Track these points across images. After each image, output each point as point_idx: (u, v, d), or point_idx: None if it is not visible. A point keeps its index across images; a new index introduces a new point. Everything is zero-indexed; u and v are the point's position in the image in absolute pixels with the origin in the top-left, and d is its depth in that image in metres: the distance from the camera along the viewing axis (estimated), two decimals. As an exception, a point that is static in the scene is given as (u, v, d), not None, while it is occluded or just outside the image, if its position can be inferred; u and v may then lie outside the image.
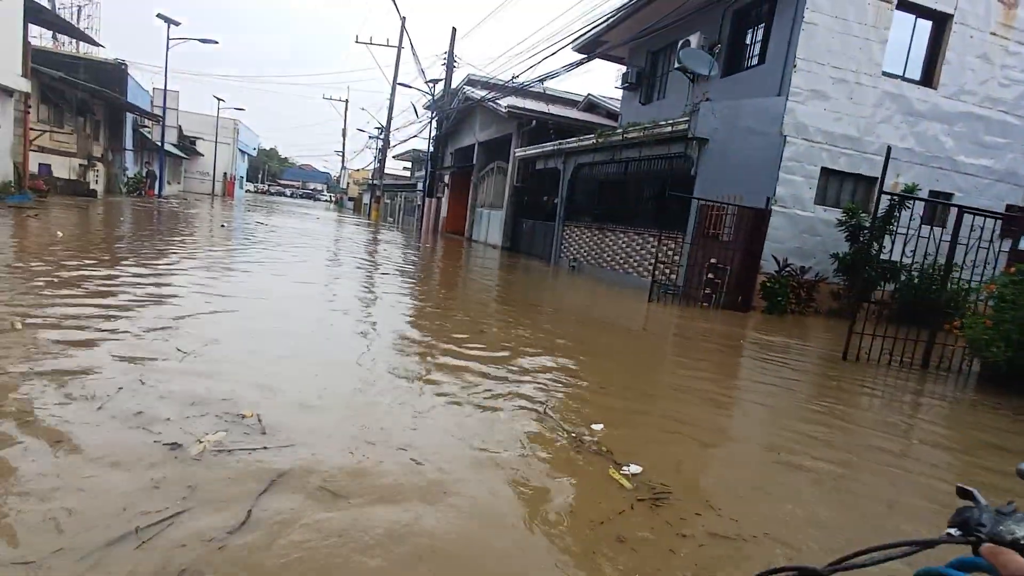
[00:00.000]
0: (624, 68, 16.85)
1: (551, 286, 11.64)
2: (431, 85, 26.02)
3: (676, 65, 13.14)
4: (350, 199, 62.68)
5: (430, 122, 27.63)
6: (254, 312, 5.35)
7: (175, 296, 5.49)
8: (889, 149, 5.68)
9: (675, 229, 10.32)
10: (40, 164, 17.41)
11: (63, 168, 19.04)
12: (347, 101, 54.81)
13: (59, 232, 9.68)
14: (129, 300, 5.09)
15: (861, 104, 10.63)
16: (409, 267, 11.53)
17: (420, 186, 32.10)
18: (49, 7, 16.66)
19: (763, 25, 11.31)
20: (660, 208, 11.51)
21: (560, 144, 14.90)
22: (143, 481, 2.17)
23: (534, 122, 17.75)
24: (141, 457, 2.34)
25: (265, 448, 2.54)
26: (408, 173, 48.20)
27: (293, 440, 2.66)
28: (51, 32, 25.44)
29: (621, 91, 16.93)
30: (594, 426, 3.31)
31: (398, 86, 30.22)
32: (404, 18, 29.36)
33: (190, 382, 3.23)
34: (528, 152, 17.05)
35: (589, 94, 22.97)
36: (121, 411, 2.74)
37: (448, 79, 24.59)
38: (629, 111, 16.13)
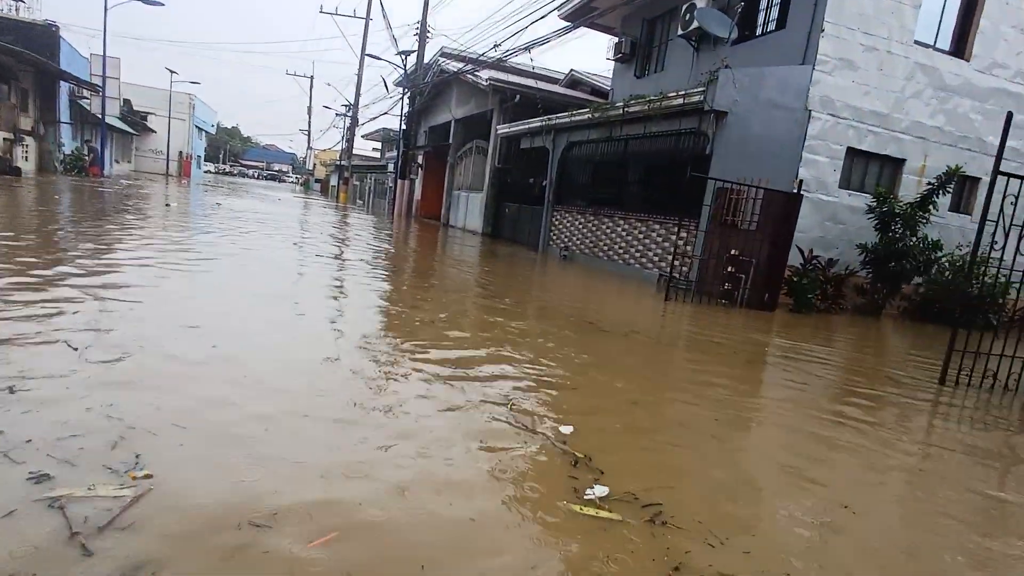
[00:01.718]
0: (615, 39, 15.47)
1: (542, 279, 10.31)
2: (403, 57, 24.14)
3: (680, 32, 11.84)
4: (317, 181, 59.96)
5: (402, 98, 25.77)
6: (196, 313, 3.95)
7: (101, 286, 4.00)
8: (1010, 116, 4.47)
9: (686, 216, 9.10)
10: (-49, 137, 15.15)
11: (-18, 142, 16.76)
12: (312, 77, 52.07)
13: None
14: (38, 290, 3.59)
15: (891, 76, 9.52)
16: (379, 256, 10.03)
17: (391, 167, 30.24)
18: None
19: (783, -15, 10.06)
20: (668, 192, 10.27)
21: (548, 120, 13.49)
22: None
23: (518, 97, 16.24)
24: None
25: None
26: (378, 154, 46.00)
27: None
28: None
29: (613, 64, 15.57)
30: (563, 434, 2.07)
31: (367, 58, 28.21)
32: (372, -15, 27.24)
33: (84, 400, 2.52)
34: (512, 129, 15.59)
35: (572, 70, 21.54)
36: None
37: (421, 50, 22.78)
38: (622, 85, 14.79)
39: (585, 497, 2.21)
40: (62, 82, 21.36)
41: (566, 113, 12.92)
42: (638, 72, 14.27)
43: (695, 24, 10.86)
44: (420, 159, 25.01)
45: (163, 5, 22.57)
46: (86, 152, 24.71)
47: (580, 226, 12.81)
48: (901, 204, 9.05)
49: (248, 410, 2.67)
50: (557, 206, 13.89)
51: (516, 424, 2.90)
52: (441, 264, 10.34)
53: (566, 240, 13.36)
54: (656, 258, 10.32)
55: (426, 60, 23.10)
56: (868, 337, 7.79)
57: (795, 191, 8.23)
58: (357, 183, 40.51)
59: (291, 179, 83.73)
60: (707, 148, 9.08)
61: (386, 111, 42.54)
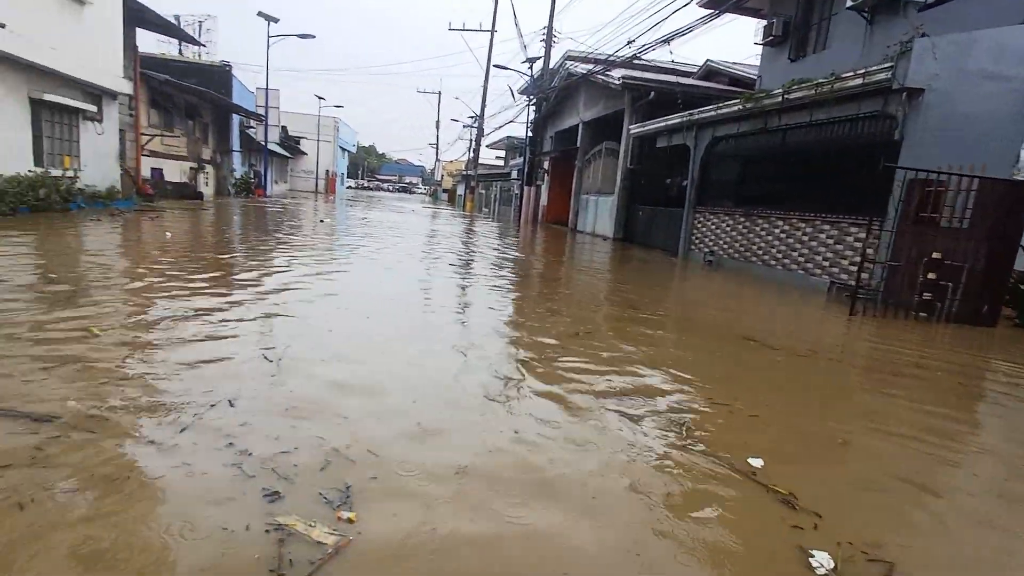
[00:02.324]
0: (762, 21, 14.10)
1: (689, 287, 9.49)
2: (529, 65, 24.23)
3: (849, 3, 10.39)
4: (444, 191, 62.73)
5: (527, 105, 25.90)
6: (371, 324, 4.06)
7: (280, 295, 4.40)
8: None
9: (864, 213, 7.81)
10: (152, 168, 17.70)
11: (174, 172, 19.40)
12: (440, 93, 54.63)
13: (168, 233, 9.68)
14: (230, 308, 3.82)
15: None
16: (515, 265, 9.86)
17: (515, 175, 30.55)
18: (159, 14, 16.60)
19: (991, -69, 8.36)
20: (840, 187, 8.98)
21: (690, 115, 12.54)
22: None
23: (652, 94, 15.40)
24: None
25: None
26: (502, 162, 46.97)
27: None
28: (178, 43, 26.55)
29: (760, 49, 14.20)
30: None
31: (493, 68, 28.77)
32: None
33: (288, 415, 2.66)
34: (647, 128, 14.79)
35: (708, 60, 20.14)
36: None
37: (547, 55, 22.69)
38: (773, 71, 13.40)
39: (817, 572, 1.86)
40: (234, 115, 24.23)
41: (710, 106, 11.90)
42: (792, 55, 12.84)
43: (872, -9, 9.41)
44: (546, 165, 24.93)
45: (314, 37, 24.77)
46: (252, 176, 27.88)
47: (728, 228, 11.71)
48: None
49: (419, 433, 2.59)
50: (699, 207, 12.87)
51: (701, 456, 2.59)
52: (576, 271, 9.94)
53: (711, 244, 12.31)
54: (826, 263, 9.04)
55: (553, 64, 22.97)
56: None
57: (1024, 179, 6.68)
58: (483, 192, 41.61)
59: (420, 190, 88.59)
60: (895, 133, 7.73)
61: (511, 119, 43.37)
